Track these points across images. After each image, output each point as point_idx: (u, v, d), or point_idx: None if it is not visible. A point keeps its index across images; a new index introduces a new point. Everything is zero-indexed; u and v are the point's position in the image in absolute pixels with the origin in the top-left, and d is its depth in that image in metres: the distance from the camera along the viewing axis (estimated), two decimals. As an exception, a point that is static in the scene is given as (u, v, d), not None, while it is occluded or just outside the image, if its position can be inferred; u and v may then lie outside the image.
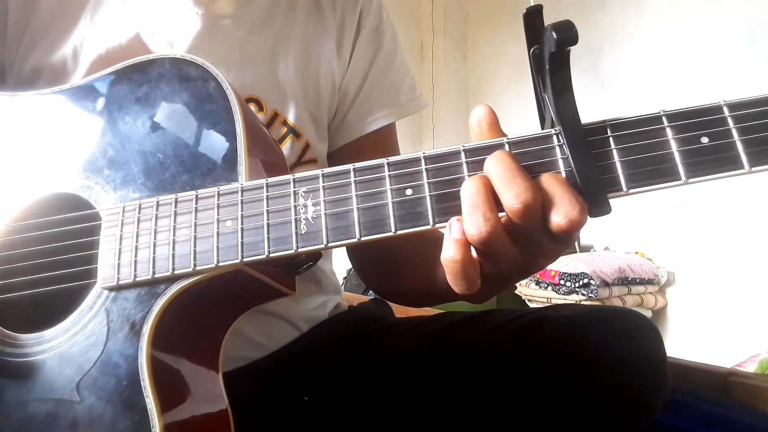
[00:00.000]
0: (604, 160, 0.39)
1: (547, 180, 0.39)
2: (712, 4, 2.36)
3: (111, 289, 0.48)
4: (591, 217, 0.39)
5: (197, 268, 0.45)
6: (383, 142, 0.79)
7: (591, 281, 2.18)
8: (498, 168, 0.40)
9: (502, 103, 2.78)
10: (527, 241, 0.41)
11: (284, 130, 0.71)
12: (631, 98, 2.58)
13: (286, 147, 0.71)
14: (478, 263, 0.42)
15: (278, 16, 0.72)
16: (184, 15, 0.66)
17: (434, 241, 0.45)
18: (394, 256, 0.73)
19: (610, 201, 0.39)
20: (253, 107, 0.68)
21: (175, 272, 0.46)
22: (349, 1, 0.77)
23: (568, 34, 0.35)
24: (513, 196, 0.38)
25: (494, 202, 0.40)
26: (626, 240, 2.56)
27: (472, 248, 0.41)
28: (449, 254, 0.41)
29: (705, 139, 0.38)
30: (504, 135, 0.43)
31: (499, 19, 3.10)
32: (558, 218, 0.38)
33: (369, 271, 0.81)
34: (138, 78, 0.55)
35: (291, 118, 0.71)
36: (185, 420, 0.46)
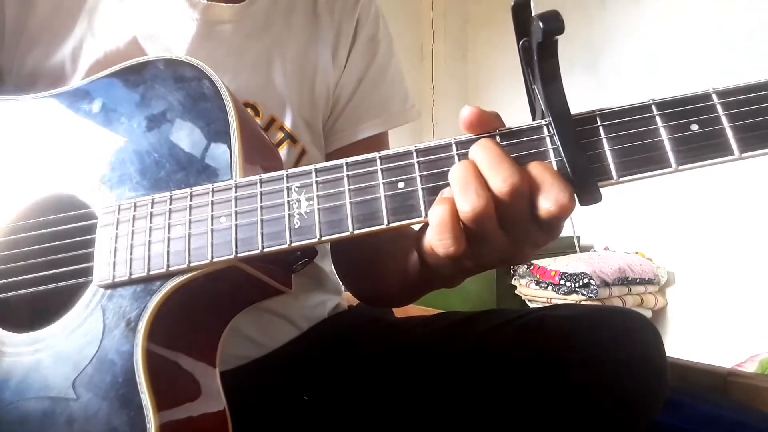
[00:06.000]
0: (594, 149, 0.39)
1: (535, 168, 0.40)
2: (712, 3, 2.35)
3: (107, 286, 0.48)
4: (582, 205, 0.39)
5: (192, 264, 0.45)
6: (374, 150, 0.79)
7: (591, 281, 2.17)
8: (484, 154, 0.40)
9: (503, 103, 2.77)
10: (515, 226, 0.41)
11: (281, 135, 0.70)
12: (631, 98, 2.56)
13: (282, 152, 0.70)
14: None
15: (275, 21, 0.72)
16: (180, 19, 0.66)
17: (401, 233, 0.45)
18: (365, 254, 0.72)
19: (602, 190, 0.39)
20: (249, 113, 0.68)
21: (170, 269, 0.46)
22: (347, 8, 0.77)
23: (554, 23, 0.36)
24: (501, 179, 0.39)
25: (485, 181, 0.40)
26: (626, 240, 2.54)
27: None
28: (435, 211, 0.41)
29: (695, 127, 0.38)
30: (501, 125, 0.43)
31: (499, 19, 3.09)
32: (547, 204, 0.38)
33: (347, 276, 0.80)
34: (133, 79, 0.55)
35: (288, 124, 0.71)
36: (181, 416, 0.46)
